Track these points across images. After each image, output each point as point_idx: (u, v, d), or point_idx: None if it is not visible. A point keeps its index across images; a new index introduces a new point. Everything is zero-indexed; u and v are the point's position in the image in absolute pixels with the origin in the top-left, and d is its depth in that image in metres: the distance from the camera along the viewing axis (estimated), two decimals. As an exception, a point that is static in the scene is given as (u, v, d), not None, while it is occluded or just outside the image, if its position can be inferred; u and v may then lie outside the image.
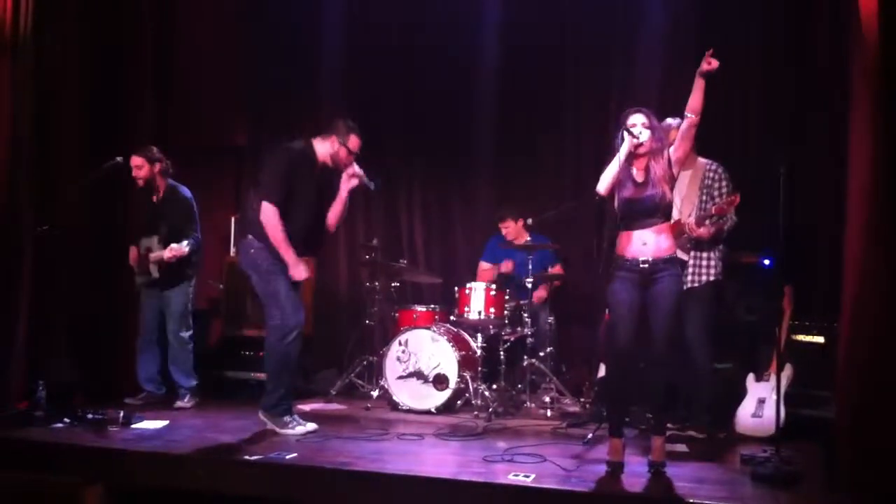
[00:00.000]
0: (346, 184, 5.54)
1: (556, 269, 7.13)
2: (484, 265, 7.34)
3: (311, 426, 5.41)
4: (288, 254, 5.32)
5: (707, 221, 5.50)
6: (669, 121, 5.66)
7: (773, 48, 6.78)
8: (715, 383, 5.67)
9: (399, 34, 7.82)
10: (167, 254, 6.14)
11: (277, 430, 5.32)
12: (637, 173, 4.61)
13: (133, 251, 6.40)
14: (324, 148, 5.51)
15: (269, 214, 5.29)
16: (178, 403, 6.24)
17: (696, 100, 4.56)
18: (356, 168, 5.53)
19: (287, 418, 5.37)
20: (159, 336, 6.39)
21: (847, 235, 4.63)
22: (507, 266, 7.14)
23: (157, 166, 6.31)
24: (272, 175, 5.38)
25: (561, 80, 7.61)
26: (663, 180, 4.55)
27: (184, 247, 6.16)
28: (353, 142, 5.50)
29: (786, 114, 6.65)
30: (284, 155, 5.42)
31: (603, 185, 4.58)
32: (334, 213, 5.60)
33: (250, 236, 5.41)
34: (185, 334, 6.33)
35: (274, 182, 5.35)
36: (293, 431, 5.31)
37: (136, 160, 6.26)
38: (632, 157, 4.58)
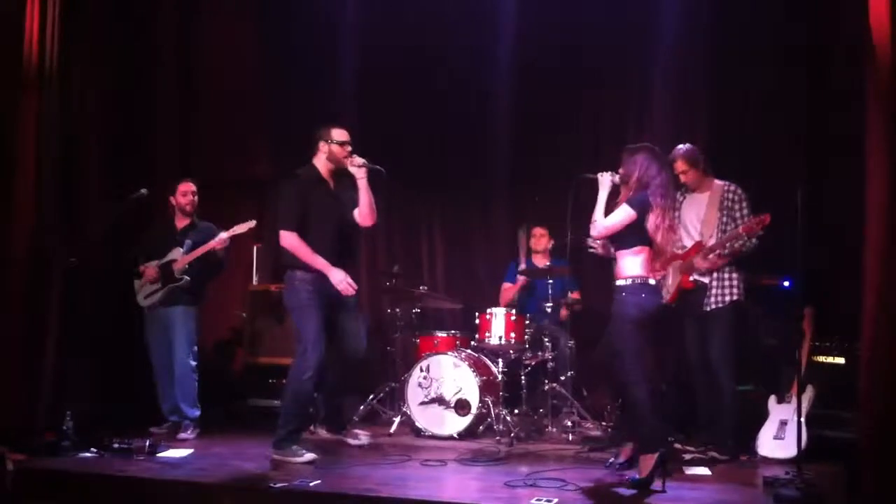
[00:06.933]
0: (359, 175, 5.51)
1: (575, 295, 7.13)
2: (507, 285, 7.40)
3: (311, 455, 5.35)
4: (320, 264, 5.39)
5: (716, 252, 5.55)
6: (681, 147, 5.75)
7: (792, 68, 6.77)
8: (737, 405, 5.67)
9: (417, 61, 7.87)
10: (224, 236, 6.21)
11: (286, 460, 5.29)
12: None
13: (150, 268, 6.35)
14: (321, 160, 5.59)
15: (288, 240, 5.40)
16: (181, 435, 6.20)
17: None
18: (356, 158, 5.52)
19: (295, 447, 5.36)
20: (172, 365, 6.36)
21: (865, 256, 4.65)
22: (521, 280, 7.21)
23: (197, 197, 6.48)
24: (282, 206, 5.52)
25: (578, 104, 7.68)
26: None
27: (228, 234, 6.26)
28: (338, 134, 5.57)
29: (805, 135, 6.65)
30: (289, 183, 5.54)
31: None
32: (362, 209, 5.56)
33: (291, 270, 5.48)
34: (192, 363, 6.34)
35: (285, 211, 5.48)
36: (302, 459, 5.29)
37: (191, 186, 6.45)
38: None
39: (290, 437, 5.37)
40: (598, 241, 5.22)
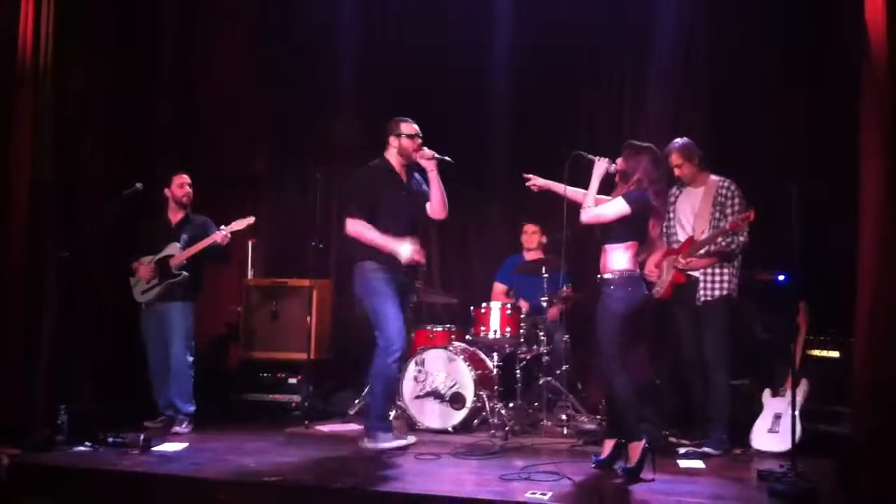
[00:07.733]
0: (429, 168, 5.58)
1: (568, 291, 7.10)
2: (498, 286, 7.36)
3: (412, 438, 5.62)
4: (387, 243, 5.45)
5: (704, 248, 5.56)
6: (677, 141, 5.75)
7: (792, 68, 6.77)
8: (732, 400, 5.68)
9: (416, 60, 7.86)
10: (224, 230, 6.21)
11: (381, 446, 5.43)
12: None
13: (144, 265, 6.32)
14: (392, 154, 5.65)
15: (353, 226, 5.50)
16: (175, 429, 6.18)
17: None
18: (426, 151, 5.58)
19: (389, 434, 5.51)
20: (168, 360, 6.34)
21: (860, 256, 4.67)
22: (523, 305, 6.97)
23: (191, 189, 6.47)
24: (351, 195, 5.65)
25: (577, 103, 7.67)
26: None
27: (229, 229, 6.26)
28: (407, 127, 5.64)
29: (802, 131, 6.65)
30: (361, 173, 5.64)
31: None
32: (434, 202, 5.66)
33: (359, 261, 5.54)
34: (189, 359, 6.32)
35: (353, 199, 5.59)
36: (402, 442, 5.50)
37: (186, 178, 6.44)
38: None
39: (385, 423, 5.52)
40: (534, 178, 5.48)
